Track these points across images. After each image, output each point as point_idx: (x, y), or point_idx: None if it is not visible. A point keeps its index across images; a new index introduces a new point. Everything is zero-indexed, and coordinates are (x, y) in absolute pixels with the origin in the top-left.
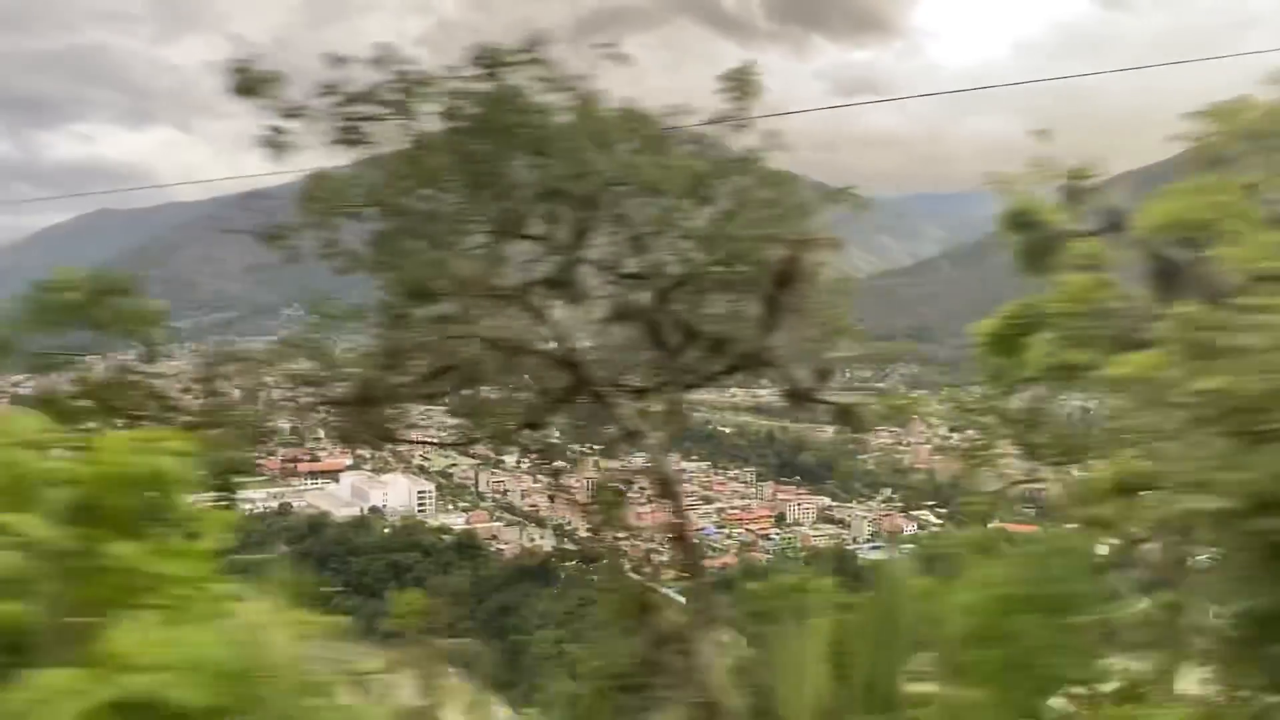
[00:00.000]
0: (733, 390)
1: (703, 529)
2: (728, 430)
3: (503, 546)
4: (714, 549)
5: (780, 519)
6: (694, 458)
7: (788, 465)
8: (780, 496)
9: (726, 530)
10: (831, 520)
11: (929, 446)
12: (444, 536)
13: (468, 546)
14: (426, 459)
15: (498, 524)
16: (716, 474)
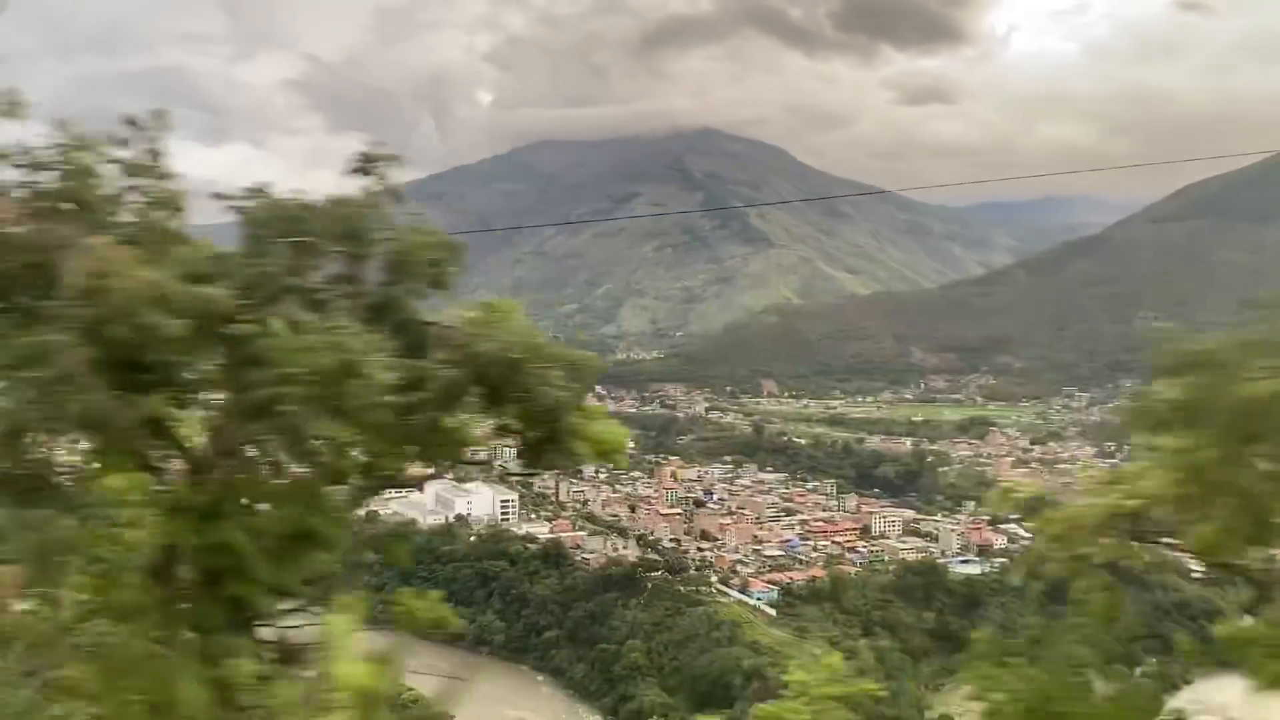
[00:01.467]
0: (806, 401)
1: (788, 541)
2: (803, 442)
3: (588, 556)
4: (800, 561)
5: (866, 531)
6: (770, 469)
7: (866, 477)
8: (864, 509)
9: (811, 543)
10: (918, 533)
11: (1010, 458)
12: (529, 545)
13: (553, 555)
14: (505, 468)
15: (581, 533)
16: (795, 485)
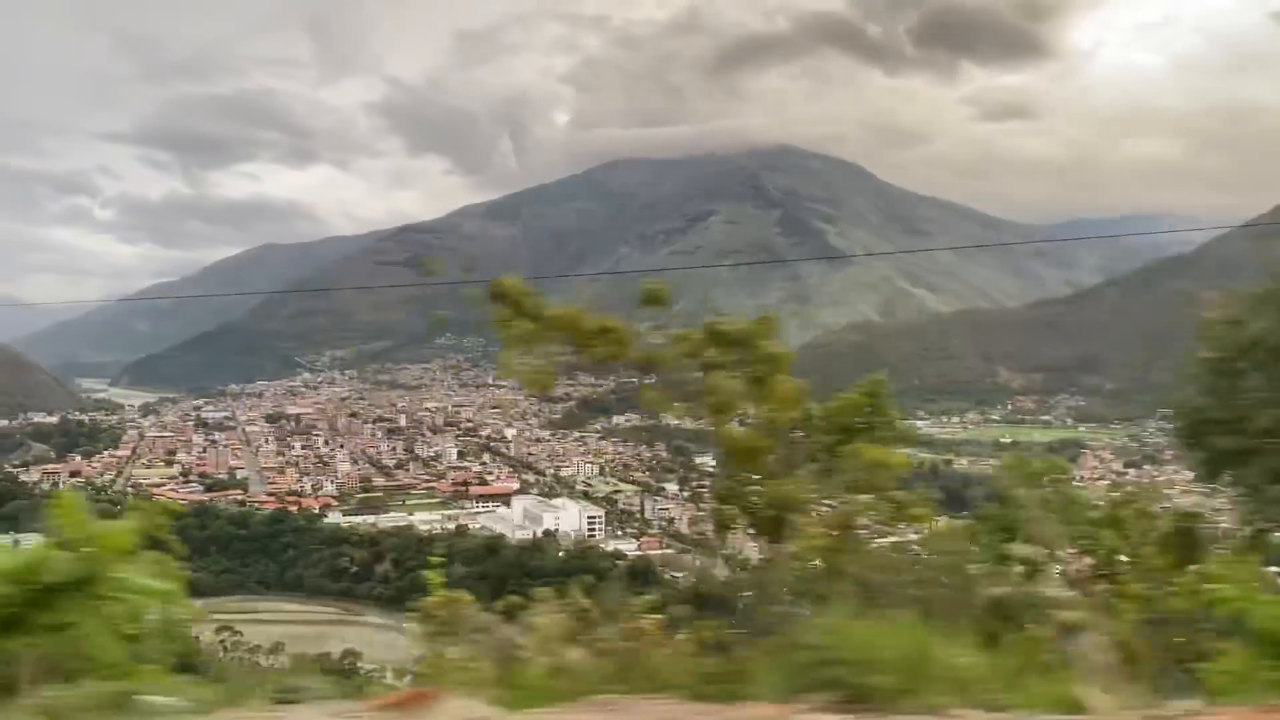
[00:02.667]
0: None
1: None
2: None
3: (677, 574)
4: None
5: None
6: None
7: (956, 499)
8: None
9: None
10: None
11: (1104, 482)
12: (617, 562)
13: (642, 572)
14: (589, 485)
15: (669, 550)
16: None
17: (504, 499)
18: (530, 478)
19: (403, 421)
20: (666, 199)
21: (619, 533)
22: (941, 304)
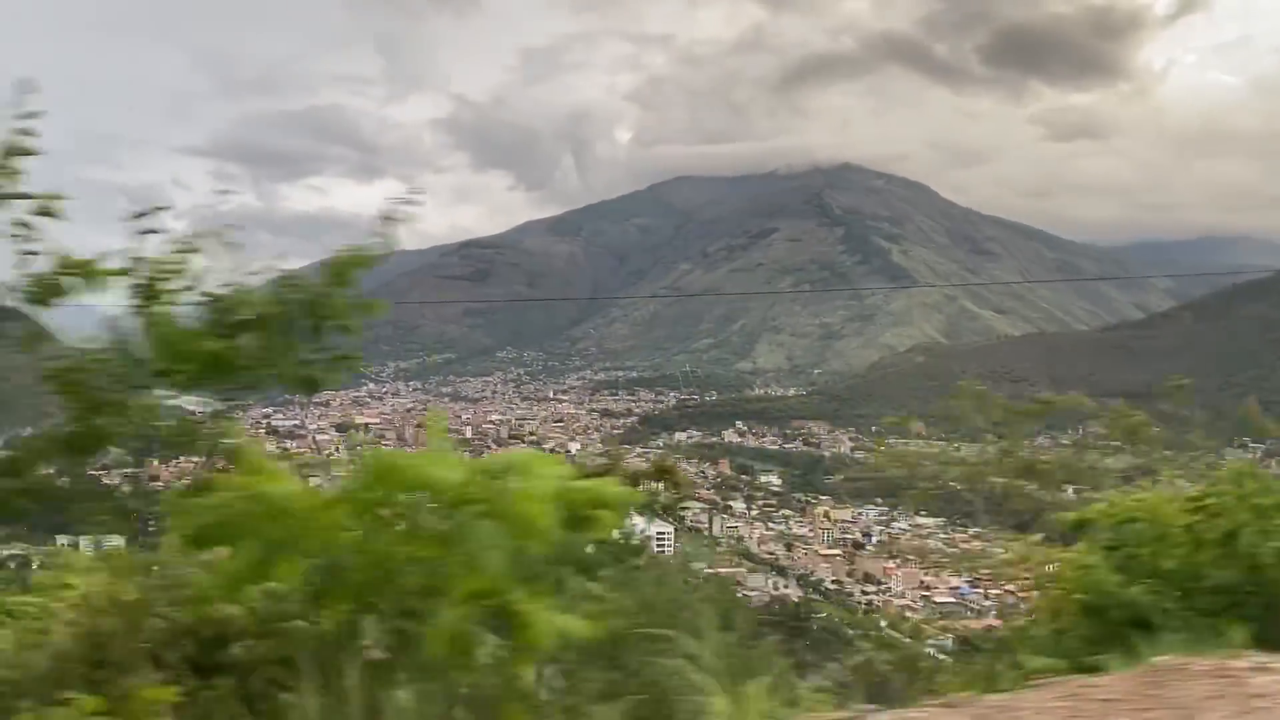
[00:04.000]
0: (958, 444)
1: (957, 588)
2: (956, 485)
3: (749, 593)
4: (973, 610)
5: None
6: (923, 512)
7: (1027, 524)
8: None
9: (983, 590)
10: None
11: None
12: (688, 580)
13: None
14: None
15: (740, 569)
16: (955, 530)
17: None
18: None
19: (469, 433)
20: (728, 216)
21: (688, 550)
22: (1008, 326)
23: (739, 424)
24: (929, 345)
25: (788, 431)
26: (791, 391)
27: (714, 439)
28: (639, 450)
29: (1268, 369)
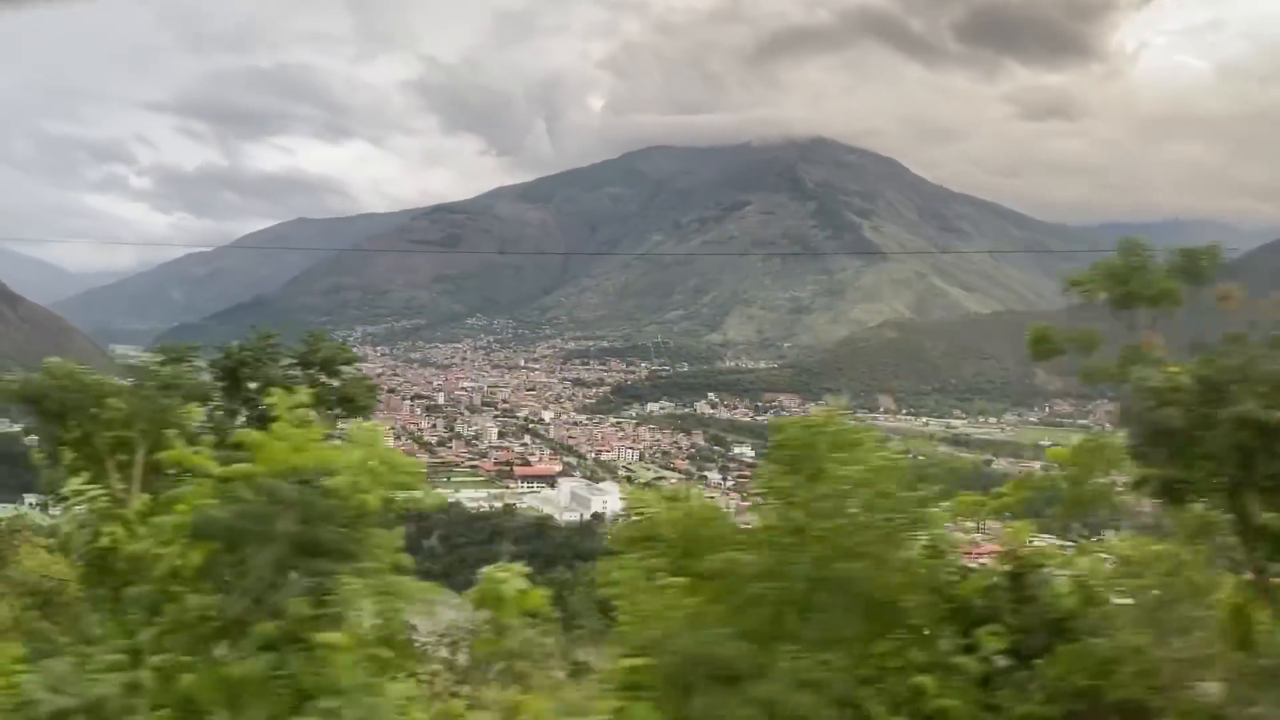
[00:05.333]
0: (925, 419)
1: None
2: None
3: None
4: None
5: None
6: None
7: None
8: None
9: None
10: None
11: None
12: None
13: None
14: (631, 470)
15: None
16: None
17: (548, 480)
18: (571, 460)
19: (441, 399)
20: (701, 187)
21: None
22: (975, 303)
23: (711, 396)
24: (899, 321)
25: (759, 404)
26: (762, 364)
27: (686, 410)
28: (612, 420)
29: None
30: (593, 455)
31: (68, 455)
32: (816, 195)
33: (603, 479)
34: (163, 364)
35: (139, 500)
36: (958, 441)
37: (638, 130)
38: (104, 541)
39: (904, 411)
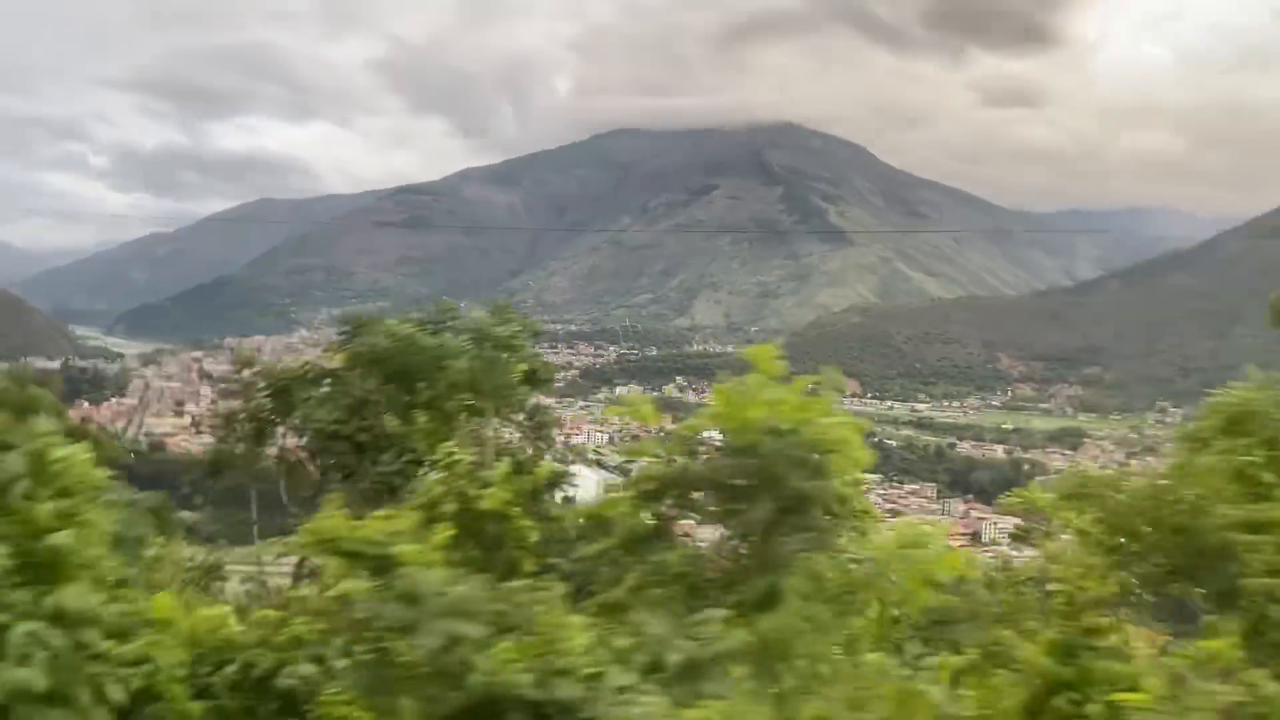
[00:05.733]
0: (890, 403)
1: None
2: (894, 444)
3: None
4: None
5: (976, 538)
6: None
7: (959, 483)
8: (973, 514)
9: None
10: (1027, 541)
11: (1106, 471)
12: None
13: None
14: (601, 454)
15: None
16: (891, 487)
17: None
18: (542, 445)
19: None
20: (669, 171)
21: None
22: (939, 289)
23: (679, 379)
24: (865, 306)
25: None
26: (730, 348)
27: (655, 393)
28: (580, 404)
29: (1189, 336)
30: (562, 439)
31: (420, 417)
32: (784, 180)
33: (574, 462)
34: (479, 330)
35: (495, 460)
36: (921, 425)
37: (606, 113)
38: (483, 504)
39: (869, 395)
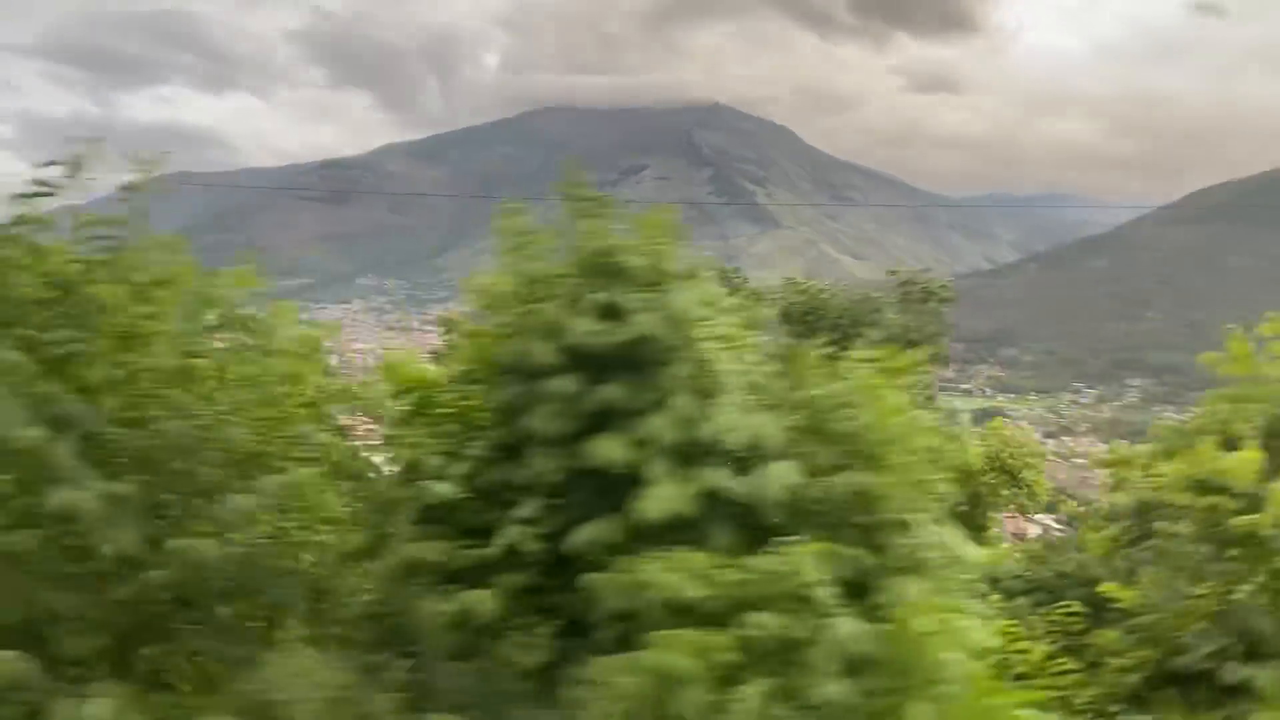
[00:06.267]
0: None
1: None
2: None
3: None
4: None
5: None
6: None
7: None
8: None
9: None
10: None
11: (1025, 452)
12: None
13: None
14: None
15: None
16: None
17: None
18: None
19: (334, 360)
20: (599, 150)
21: None
22: (865, 271)
23: None
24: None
25: None
26: None
27: None
28: None
29: (1102, 320)
30: None
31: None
32: (713, 161)
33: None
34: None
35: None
36: None
37: (534, 89)
38: None
39: None
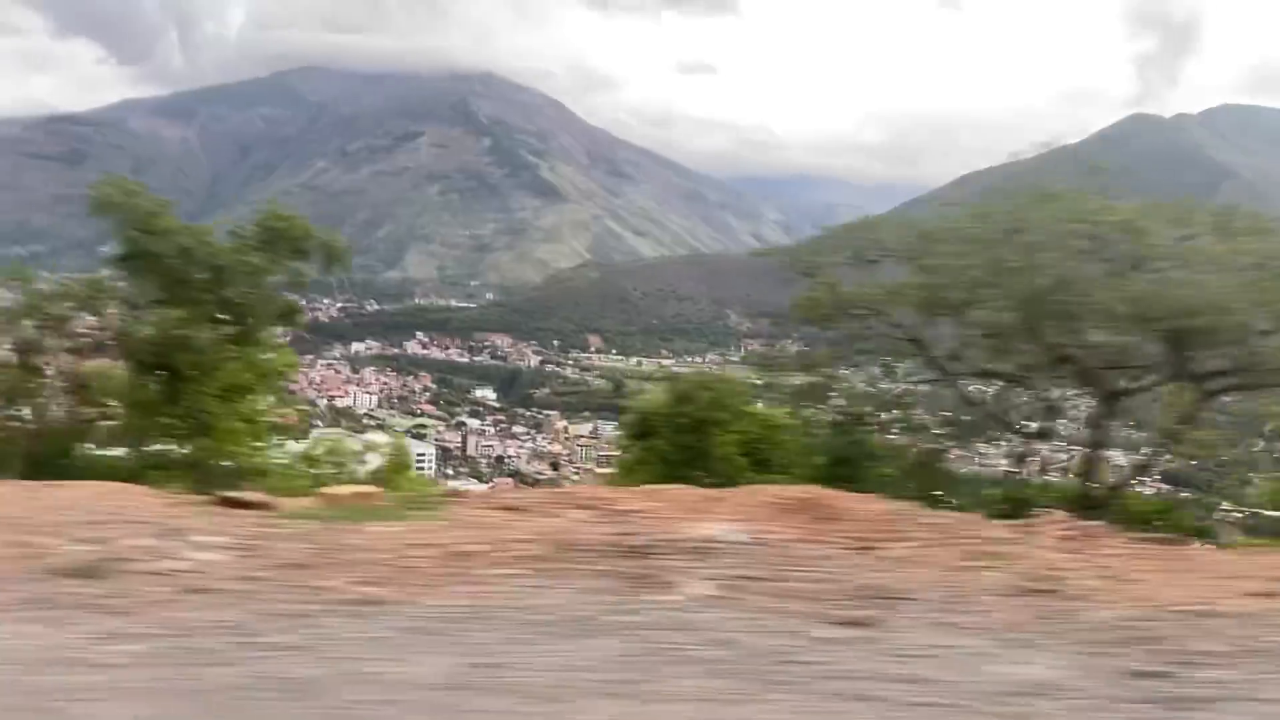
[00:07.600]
0: (637, 359)
1: None
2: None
3: None
4: None
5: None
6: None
7: None
8: None
9: None
10: None
11: None
12: None
13: None
14: (377, 418)
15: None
16: None
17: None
18: (305, 408)
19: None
20: (367, 114)
21: (448, 472)
22: (647, 247)
23: (420, 335)
24: (602, 263)
25: (472, 344)
26: (472, 303)
27: (396, 350)
28: (323, 362)
29: None
30: (325, 401)
31: None
32: (491, 132)
33: (362, 430)
34: None
35: None
36: (672, 380)
37: (288, 47)
38: None
39: (613, 351)
